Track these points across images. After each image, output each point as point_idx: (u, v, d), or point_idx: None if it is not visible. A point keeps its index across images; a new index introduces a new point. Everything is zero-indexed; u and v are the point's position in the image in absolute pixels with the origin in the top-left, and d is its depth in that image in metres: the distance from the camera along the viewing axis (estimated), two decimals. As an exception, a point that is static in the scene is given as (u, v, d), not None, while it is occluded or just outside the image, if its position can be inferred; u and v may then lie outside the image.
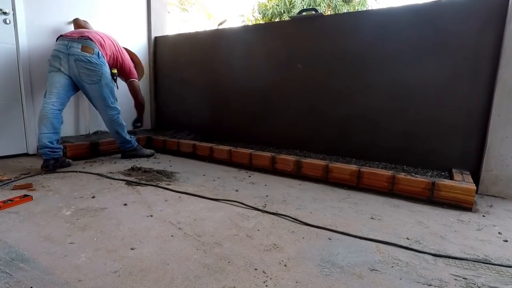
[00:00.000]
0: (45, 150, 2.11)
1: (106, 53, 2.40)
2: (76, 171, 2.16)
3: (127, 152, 2.63)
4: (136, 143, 2.67)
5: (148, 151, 2.75)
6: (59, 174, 2.09)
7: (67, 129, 2.87)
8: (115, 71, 2.50)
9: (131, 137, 2.62)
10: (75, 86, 2.32)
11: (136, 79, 2.84)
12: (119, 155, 2.69)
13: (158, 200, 1.66)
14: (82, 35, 2.27)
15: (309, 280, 0.99)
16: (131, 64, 2.78)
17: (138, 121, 3.10)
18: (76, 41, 2.22)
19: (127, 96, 2.90)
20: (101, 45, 2.35)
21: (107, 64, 2.36)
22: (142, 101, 2.98)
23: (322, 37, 2.49)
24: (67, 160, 2.31)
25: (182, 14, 15.86)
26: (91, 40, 2.27)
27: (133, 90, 2.85)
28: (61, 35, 2.29)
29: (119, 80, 2.75)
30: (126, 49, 2.81)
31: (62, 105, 2.25)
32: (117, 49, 2.56)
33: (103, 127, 3.14)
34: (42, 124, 2.14)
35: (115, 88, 2.48)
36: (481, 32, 1.92)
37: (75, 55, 2.19)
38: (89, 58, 2.22)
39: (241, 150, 2.46)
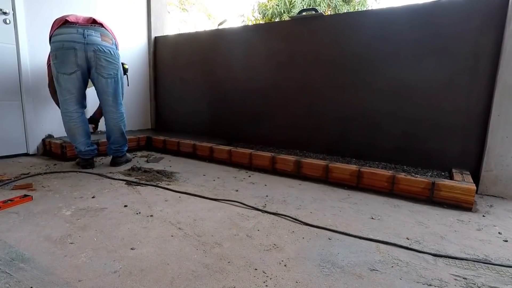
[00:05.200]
0: (86, 153, 2.21)
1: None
2: (76, 171, 2.16)
3: (119, 158, 2.34)
4: None
5: (130, 156, 2.53)
6: (59, 174, 2.09)
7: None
8: (127, 66, 2.22)
9: None
10: (87, 80, 2.11)
11: None
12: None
13: (158, 200, 1.66)
14: (95, 20, 2.03)
15: (309, 280, 0.98)
16: None
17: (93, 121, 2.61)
18: (92, 28, 1.97)
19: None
20: (112, 33, 2.11)
21: None
22: None
23: (322, 37, 2.49)
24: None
25: (182, 14, 15.87)
26: (105, 27, 2.05)
27: None
28: (66, 20, 1.95)
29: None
30: None
31: (84, 107, 2.17)
32: None
33: (103, 127, 3.14)
34: (77, 134, 2.13)
35: (126, 85, 2.32)
36: (481, 32, 1.92)
37: (95, 44, 1.96)
38: (110, 50, 2.03)
39: (241, 150, 2.46)
